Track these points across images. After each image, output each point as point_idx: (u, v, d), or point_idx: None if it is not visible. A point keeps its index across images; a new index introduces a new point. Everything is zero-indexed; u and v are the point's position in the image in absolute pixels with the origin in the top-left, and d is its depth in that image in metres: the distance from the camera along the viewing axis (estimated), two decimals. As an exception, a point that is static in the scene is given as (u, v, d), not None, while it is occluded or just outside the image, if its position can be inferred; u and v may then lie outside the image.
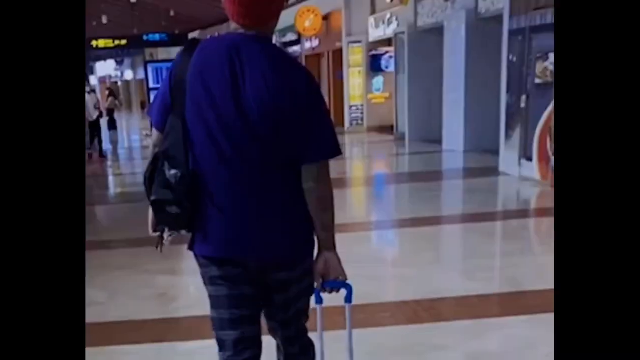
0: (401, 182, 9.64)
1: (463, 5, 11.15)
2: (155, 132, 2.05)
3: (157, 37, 25.82)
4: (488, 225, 6.30)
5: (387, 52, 15.57)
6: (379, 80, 16.30)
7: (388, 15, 14.74)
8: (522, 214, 7.07)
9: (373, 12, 15.80)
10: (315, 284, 2.08)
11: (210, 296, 2.08)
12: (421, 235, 5.97)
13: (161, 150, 1.98)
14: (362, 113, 16.66)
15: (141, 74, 20.29)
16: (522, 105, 8.15)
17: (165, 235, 2.04)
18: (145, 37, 25.25)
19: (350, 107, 16.77)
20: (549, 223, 6.28)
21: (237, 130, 1.90)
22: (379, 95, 16.40)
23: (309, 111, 1.93)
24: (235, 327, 2.05)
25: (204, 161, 1.95)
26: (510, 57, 8.54)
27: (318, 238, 2.05)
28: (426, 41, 12.88)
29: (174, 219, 1.98)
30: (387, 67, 15.69)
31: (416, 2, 13.27)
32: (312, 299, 2.12)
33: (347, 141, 14.55)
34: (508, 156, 8.72)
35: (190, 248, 2.05)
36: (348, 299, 2.12)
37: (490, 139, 9.85)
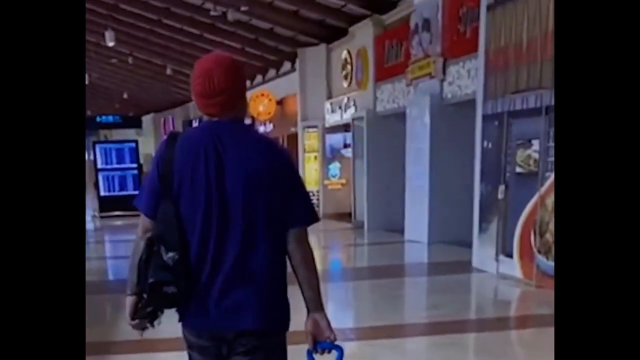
0: (360, 278, 8.66)
1: (426, 91, 10.55)
2: (144, 219, 2.17)
3: (110, 118, 26.48)
4: (467, 337, 5.37)
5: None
6: (335, 166, 15.81)
7: (345, 100, 14.28)
8: (505, 322, 6.10)
9: (329, 96, 15.37)
10: (308, 346, 2.16)
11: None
12: (385, 348, 5.01)
13: (155, 234, 2.10)
14: (317, 199, 15.94)
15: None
16: (500, 196, 7.43)
17: (156, 320, 2.14)
18: (98, 119, 25.68)
19: (306, 192, 16.11)
20: (539, 333, 5.35)
21: (224, 209, 2.07)
22: (335, 181, 15.85)
23: (288, 185, 2.13)
24: None
25: (193, 239, 2.09)
26: (485, 143, 7.90)
27: (305, 299, 2.17)
28: (386, 126, 12.30)
29: (170, 299, 2.08)
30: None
31: (375, 87, 12.79)
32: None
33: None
34: (483, 251, 7.92)
35: (180, 320, 2.19)
36: None
37: (457, 230, 9.13)
